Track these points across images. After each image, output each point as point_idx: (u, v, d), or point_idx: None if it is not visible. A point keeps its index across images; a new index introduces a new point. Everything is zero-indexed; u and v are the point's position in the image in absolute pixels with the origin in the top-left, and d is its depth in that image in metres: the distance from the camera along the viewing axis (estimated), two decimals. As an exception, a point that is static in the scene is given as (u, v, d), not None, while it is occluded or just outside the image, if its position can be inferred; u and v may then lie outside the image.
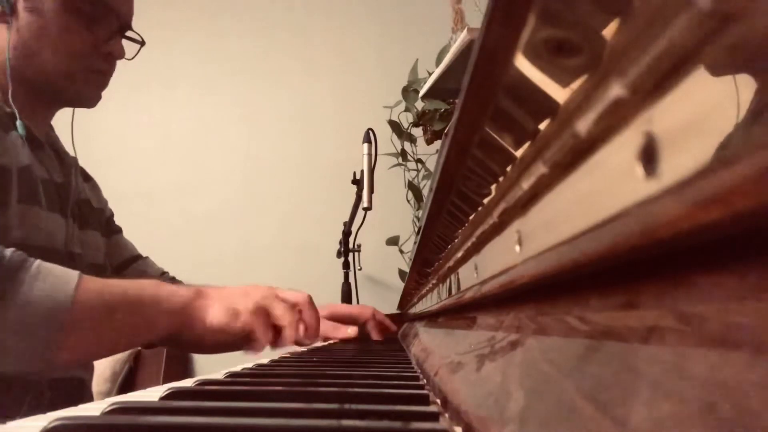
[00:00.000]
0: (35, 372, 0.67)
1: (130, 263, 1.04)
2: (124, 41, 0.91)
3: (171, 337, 0.73)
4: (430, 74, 1.68)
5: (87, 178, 1.00)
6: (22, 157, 0.78)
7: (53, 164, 0.87)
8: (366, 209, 1.68)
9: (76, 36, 0.84)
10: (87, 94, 0.89)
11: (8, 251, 0.62)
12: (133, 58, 0.93)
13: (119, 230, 1.06)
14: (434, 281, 0.74)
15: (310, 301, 0.84)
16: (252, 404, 0.34)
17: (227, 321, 0.73)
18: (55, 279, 0.62)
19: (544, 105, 0.21)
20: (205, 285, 0.80)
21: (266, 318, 0.76)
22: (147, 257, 1.08)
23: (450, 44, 1.67)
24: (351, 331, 1.18)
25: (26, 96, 0.84)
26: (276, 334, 0.78)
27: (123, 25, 0.90)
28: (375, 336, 1.25)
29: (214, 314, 0.74)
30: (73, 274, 0.64)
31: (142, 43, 0.94)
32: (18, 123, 0.80)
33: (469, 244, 0.42)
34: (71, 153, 0.94)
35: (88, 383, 0.89)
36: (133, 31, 0.92)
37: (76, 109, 0.93)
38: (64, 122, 0.94)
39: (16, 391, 0.72)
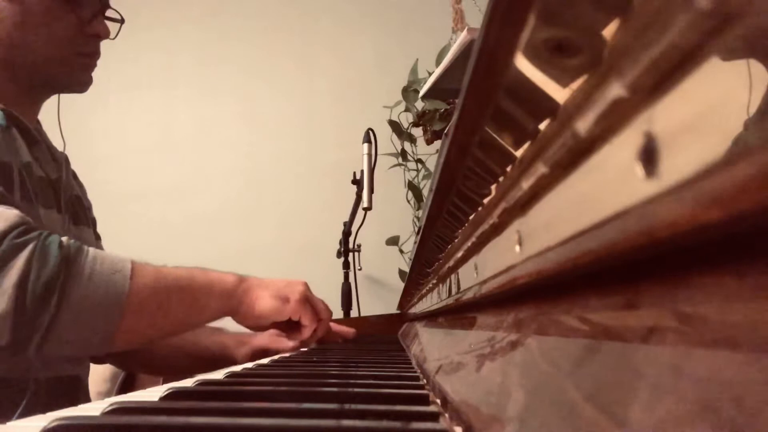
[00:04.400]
0: (86, 356, 0.71)
1: None
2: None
3: (218, 319, 0.80)
4: (430, 74, 1.68)
5: (74, 177, 1.00)
6: (22, 154, 0.78)
7: (47, 159, 0.86)
8: (366, 209, 1.68)
9: (60, 20, 0.82)
10: (78, 79, 0.88)
11: (64, 238, 0.65)
12: (115, 37, 0.91)
13: (99, 238, 1.06)
14: (434, 281, 0.74)
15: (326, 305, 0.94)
16: (252, 404, 0.34)
17: (278, 306, 0.81)
18: (111, 265, 0.66)
19: (544, 105, 0.21)
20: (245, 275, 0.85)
21: (312, 309, 0.85)
22: None
23: (450, 44, 1.67)
24: (288, 345, 0.98)
25: (17, 88, 0.83)
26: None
27: (104, 4, 0.88)
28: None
29: (264, 299, 0.80)
30: (126, 260, 0.68)
31: (122, 21, 0.92)
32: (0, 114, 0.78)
33: (469, 244, 0.42)
34: (59, 148, 0.93)
35: (85, 381, 0.90)
36: (112, 9, 0.91)
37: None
38: (51, 119, 0.94)
39: (13, 388, 0.73)
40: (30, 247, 0.61)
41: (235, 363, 1.05)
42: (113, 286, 0.65)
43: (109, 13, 0.90)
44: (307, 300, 0.85)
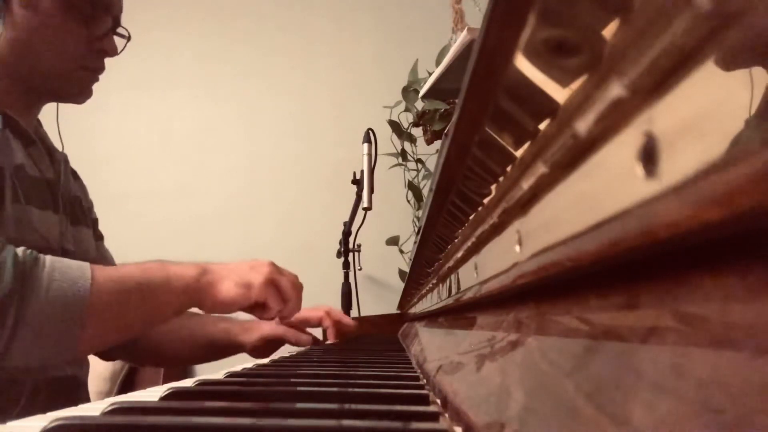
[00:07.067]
0: (53, 365, 0.71)
1: None
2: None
3: (182, 313, 0.79)
4: (430, 74, 1.68)
5: (75, 176, 0.99)
6: (15, 156, 0.78)
7: (44, 160, 0.86)
8: (366, 209, 1.68)
9: (72, 34, 0.83)
10: (79, 91, 0.89)
11: (19, 250, 0.64)
12: (120, 52, 0.91)
13: (102, 237, 1.05)
14: (434, 281, 0.74)
15: (298, 280, 0.92)
16: (252, 404, 0.34)
17: (241, 293, 0.80)
18: (69, 273, 0.65)
19: (544, 105, 0.21)
20: (207, 261, 0.84)
21: (277, 290, 0.84)
22: None
23: (450, 44, 1.67)
24: (305, 338, 1.10)
25: (17, 91, 0.83)
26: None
27: (115, 22, 0.89)
28: (331, 338, 1.15)
29: (227, 288, 0.79)
30: (86, 267, 0.67)
31: (129, 38, 0.92)
32: None
33: (469, 244, 0.42)
34: (59, 148, 0.93)
35: (84, 381, 0.89)
36: (122, 27, 0.91)
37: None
38: (51, 117, 0.94)
39: (12, 389, 0.72)
40: None
41: (244, 349, 1.06)
42: (73, 297, 0.64)
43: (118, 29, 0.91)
44: (273, 282, 0.84)
